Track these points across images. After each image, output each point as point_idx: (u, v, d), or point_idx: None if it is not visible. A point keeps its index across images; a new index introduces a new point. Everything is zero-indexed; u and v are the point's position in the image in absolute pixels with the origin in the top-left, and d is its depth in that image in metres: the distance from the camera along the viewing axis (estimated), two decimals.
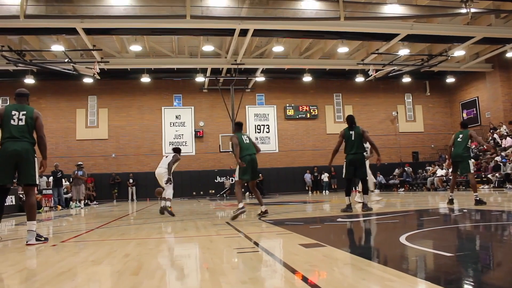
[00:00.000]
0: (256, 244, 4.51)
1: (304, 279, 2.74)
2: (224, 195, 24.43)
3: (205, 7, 14.77)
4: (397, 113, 27.74)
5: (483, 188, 16.93)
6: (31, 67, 19.33)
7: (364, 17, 15.90)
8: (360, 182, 9.95)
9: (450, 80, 26.57)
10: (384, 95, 27.84)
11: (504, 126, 21.99)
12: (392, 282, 2.53)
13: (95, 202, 21.19)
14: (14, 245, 5.31)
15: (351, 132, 8.32)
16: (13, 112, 5.20)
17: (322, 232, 5.72)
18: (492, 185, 17.12)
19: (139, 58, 22.09)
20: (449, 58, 20.49)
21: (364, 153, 11.18)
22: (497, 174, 17.09)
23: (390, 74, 21.37)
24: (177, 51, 22.07)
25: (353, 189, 10.58)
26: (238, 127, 8.34)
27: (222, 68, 23.03)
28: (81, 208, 16.30)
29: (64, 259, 3.99)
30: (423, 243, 4.25)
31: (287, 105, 26.74)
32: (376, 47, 20.29)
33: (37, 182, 5.33)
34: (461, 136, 8.93)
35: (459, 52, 21.38)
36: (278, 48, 20.16)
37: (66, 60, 17.51)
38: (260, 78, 24.43)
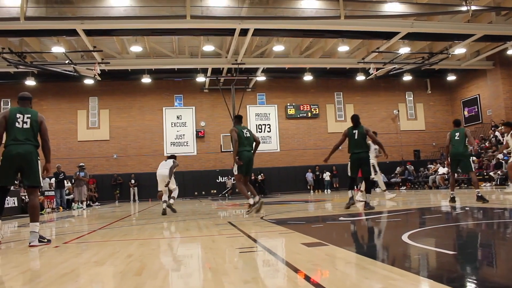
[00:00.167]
0: (258, 243, 4.51)
1: (307, 278, 2.74)
2: (226, 194, 24.43)
3: (205, 7, 14.78)
4: (398, 111, 27.70)
5: (485, 186, 16.92)
6: (32, 69, 19.34)
7: (365, 15, 15.89)
8: (363, 181, 10.02)
9: (451, 78, 26.53)
10: (385, 94, 27.81)
11: None
12: (394, 281, 2.53)
13: (97, 203, 21.22)
14: (17, 246, 5.32)
15: (354, 131, 8.37)
16: (18, 115, 5.24)
17: (324, 231, 5.71)
18: (494, 182, 17.10)
19: (139, 58, 22.11)
20: (450, 56, 20.46)
21: (374, 153, 11.35)
22: (499, 172, 17.07)
23: (391, 73, 21.34)
24: (178, 51, 22.08)
25: (355, 188, 10.59)
26: (238, 120, 8.41)
27: (223, 68, 23.02)
28: (83, 209, 16.33)
29: (67, 260, 4.00)
30: (426, 242, 4.25)
31: (288, 104, 26.72)
32: (377, 46, 20.27)
33: (41, 184, 5.36)
34: (457, 134, 8.94)
35: (460, 50, 21.33)
36: (278, 48, 20.15)
37: (66, 62, 17.52)
38: (261, 78, 24.42)
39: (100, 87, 24.73)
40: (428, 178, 21.60)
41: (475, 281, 2.56)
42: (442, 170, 20.71)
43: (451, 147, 9.04)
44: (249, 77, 24.06)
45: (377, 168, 11.86)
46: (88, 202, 18.78)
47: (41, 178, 5.32)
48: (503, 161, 17.48)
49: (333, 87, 27.32)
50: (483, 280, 2.60)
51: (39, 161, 5.31)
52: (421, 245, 3.87)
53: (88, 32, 16.43)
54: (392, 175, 24.58)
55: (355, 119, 8.49)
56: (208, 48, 20.02)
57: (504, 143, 12.48)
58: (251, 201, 7.71)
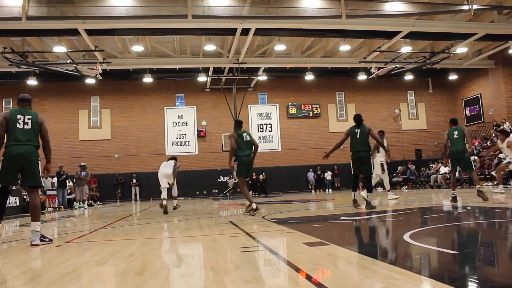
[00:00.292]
0: (260, 243, 4.51)
1: (308, 277, 2.74)
2: (227, 194, 24.43)
3: (207, 6, 14.78)
4: (399, 110, 27.67)
5: (486, 185, 16.88)
6: (34, 68, 19.37)
7: (366, 15, 15.88)
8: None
9: (452, 77, 26.49)
10: (387, 93, 27.78)
11: (507, 123, 21.90)
12: (396, 280, 2.53)
13: (98, 202, 21.25)
14: (18, 246, 5.33)
15: (356, 131, 8.42)
16: (19, 116, 5.28)
17: (326, 230, 5.71)
18: (495, 182, 17.04)
19: (141, 58, 22.11)
20: (451, 55, 20.41)
21: (383, 151, 11.39)
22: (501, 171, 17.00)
23: (393, 72, 21.30)
24: (179, 51, 22.09)
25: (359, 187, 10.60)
26: (238, 125, 8.52)
27: (224, 68, 23.02)
28: (85, 208, 16.35)
29: (69, 259, 4.00)
30: (427, 241, 4.24)
31: (290, 103, 26.72)
32: (378, 45, 20.26)
33: (41, 184, 5.39)
34: (456, 133, 8.95)
35: (461, 49, 21.29)
36: (280, 47, 20.13)
37: (68, 61, 17.54)
38: (262, 77, 24.41)
39: (102, 87, 24.76)
40: (429, 177, 21.56)
41: (476, 281, 2.56)
42: (443, 169, 20.66)
43: (451, 145, 9.04)
44: (251, 77, 24.05)
45: (385, 167, 11.86)
46: (90, 201, 18.81)
47: (41, 178, 5.37)
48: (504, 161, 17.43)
49: (334, 87, 27.30)
50: (485, 280, 2.60)
51: (39, 162, 5.35)
52: (422, 245, 3.87)
53: (90, 32, 16.45)
54: (394, 174, 24.55)
55: (357, 118, 8.53)
56: (210, 47, 20.02)
57: (496, 145, 12.70)
58: (253, 205, 7.96)
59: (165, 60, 22.35)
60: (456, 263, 3.14)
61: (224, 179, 25.39)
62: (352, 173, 8.68)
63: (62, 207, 16.14)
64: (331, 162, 23.32)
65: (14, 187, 5.61)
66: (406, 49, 20.27)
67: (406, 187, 23.04)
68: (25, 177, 5.23)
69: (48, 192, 16.08)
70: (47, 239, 5.16)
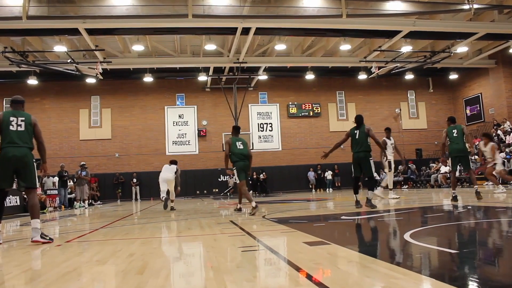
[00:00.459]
0: (260, 242, 4.52)
1: (309, 277, 2.74)
2: (228, 193, 24.44)
3: (207, 6, 14.78)
4: (400, 110, 27.66)
5: (487, 184, 16.86)
6: (34, 68, 19.38)
7: (366, 14, 15.86)
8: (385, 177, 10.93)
9: (453, 76, 26.47)
10: (387, 92, 27.77)
11: (508, 122, 21.89)
12: (397, 280, 2.53)
13: (99, 202, 21.25)
14: (19, 245, 5.34)
15: (356, 131, 8.44)
16: (12, 118, 5.28)
17: (326, 230, 5.71)
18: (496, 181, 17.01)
19: (141, 57, 22.11)
20: (452, 54, 20.39)
21: (391, 149, 11.57)
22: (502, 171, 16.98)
23: (393, 71, 21.30)
24: (180, 50, 22.09)
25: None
26: (235, 131, 9.04)
27: (225, 67, 23.01)
28: (85, 208, 16.36)
29: (69, 259, 4.01)
30: (428, 240, 4.24)
31: (290, 103, 26.71)
32: (379, 44, 20.25)
33: (37, 186, 5.44)
34: (455, 131, 8.94)
35: (462, 49, 21.27)
36: (280, 46, 20.12)
37: (68, 61, 17.55)
38: (263, 77, 24.41)
39: (102, 86, 24.77)
40: (430, 176, 21.55)
41: (477, 280, 2.56)
42: (444, 168, 20.65)
43: (450, 144, 9.02)
44: (251, 76, 24.04)
45: (393, 166, 11.91)
46: (90, 201, 18.83)
47: (37, 179, 5.42)
48: (505, 160, 17.43)
49: (335, 86, 27.29)
50: (485, 279, 2.60)
51: (34, 163, 5.40)
52: (423, 244, 3.87)
53: (90, 31, 16.45)
54: (394, 173, 24.51)
55: (357, 119, 8.56)
56: (210, 47, 20.01)
57: (479, 149, 12.90)
58: (253, 203, 8.16)
59: (165, 59, 22.35)
60: (457, 262, 3.14)
61: (224, 178, 25.38)
62: (353, 174, 8.70)
63: (63, 206, 16.15)
64: (332, 161, 23.34)
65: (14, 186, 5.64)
66: (406, 48, 20.26)
67: (407, 186, 23.03)
68: (21, 178, 5.28)
69: (48, 192, 16.09)
70: (48, 237, 5.18)
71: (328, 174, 24.90)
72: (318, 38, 20.96)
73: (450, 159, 9.19)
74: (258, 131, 26.22)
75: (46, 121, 24.01)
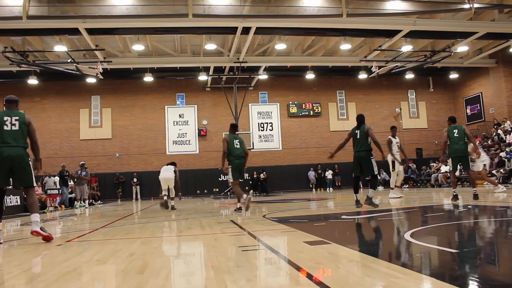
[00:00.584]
0: (261, 242, 4.52)
1: (309, 276, 2.74)
2: (228, 193, 24.44)
3: (207, 5, 14.77)
4: (400, 109, 27.63)
5: (487, 184, 16.85)
6: (34, 67, 19.38)
7: (367, 13, 15.85)
8: (395, 176, 11.53)
9: (453, 76, 26.45)
10: (387, 92, 27.75)
11: (508, 122, 21.88)
12: (397, 279, 2.53)
13: (99, 201, 21.27)
14: (19, 245, 5.34)
15: (356, 131, 8.47)
16: (5, 118, 5.27)
17: (327, 229, 5.71)
18: (496, 181, 17.02)
19: (141, 57, 22.11)
20: (452, 54, 20.38)
21: (396, 147, 11.66)
22: (501, 170, 17.00)
23: (393, 71, 21.28)
24: (180, 50, 22.08)
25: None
26: (233, 128, 9.29)
27: (225, 67, 23.00)
28: (86, 207, 16.37)
29: (70, 258, 4.01)
30: (428, 240, 4.24)
31: (290, 102, 26.70)
32: (379, 44, 20.24)
33: (34, 184, 5.44)
34: (456, 131, 8.93)
35: (462, 48, 21.25)
36: (280, 46, 20.10)
37: (69, 60, 17.54)
38: (263, 76, 24.40)
39: (102, 86, 24.77)
40: (430, 176, 21.55)
41: (477, 279, 2.55)
42: (444, 168, 20.65)
43: (450, 143, 9.01)
44: (251, 76, 24.02)
45: (396, 165, 11.97)
46: (91, 200, 18.84)
47: (33, 177, 5.41)
48: (506, 159, 17.43)
49: (335, 86, 27.27)
50: (486, 278, 2.60)
51: (30, 162, 5.40)
52: (423, 243, 3.87)
53: (90, 31, 16.45)
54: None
55: (358, 119, 8.60)
56: (210, 46, 20.00)
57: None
58: (244, 196, 8.45)
59: (165, 59, 22.35)
60: (457, 261, 3.14)
61: (225, 178, 25.35)
62: (353, 174, 8.69)
63: (63, 206, 16.16)
64: (332, 161, 23.25)
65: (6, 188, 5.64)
66: (406, 48, 20.25)
67: (407, 186, 23.02)
68: (17, 178, 5.29)
69: (49, 191, 16.11)
70: (47, 232, 5.21)
71: (329, 174, 24.89)
72: (318, 37, 20.95)
73: (450, 159, 9.18)
74: (259, 130, 26.22)
75: (46, 120, 24.03)
